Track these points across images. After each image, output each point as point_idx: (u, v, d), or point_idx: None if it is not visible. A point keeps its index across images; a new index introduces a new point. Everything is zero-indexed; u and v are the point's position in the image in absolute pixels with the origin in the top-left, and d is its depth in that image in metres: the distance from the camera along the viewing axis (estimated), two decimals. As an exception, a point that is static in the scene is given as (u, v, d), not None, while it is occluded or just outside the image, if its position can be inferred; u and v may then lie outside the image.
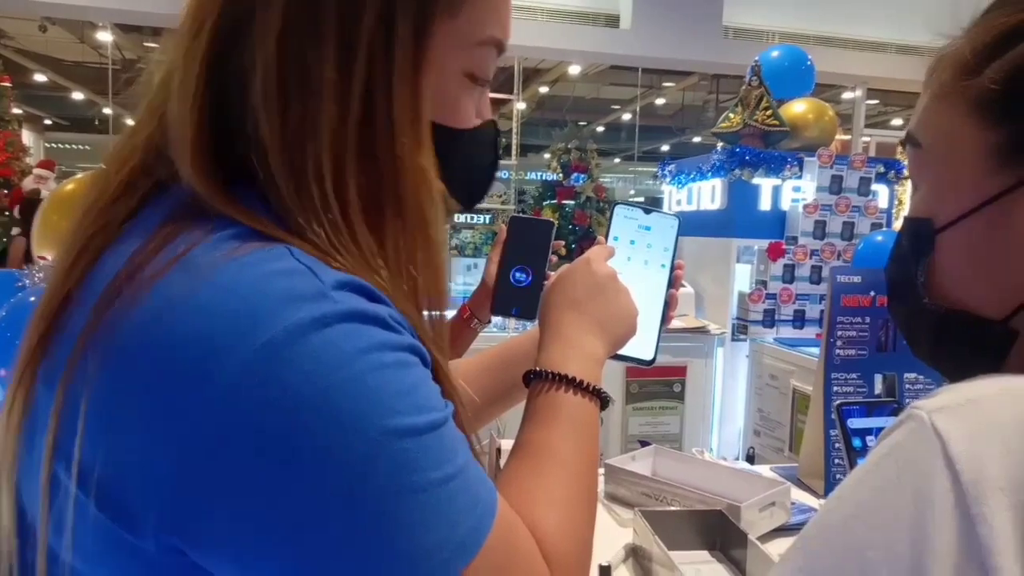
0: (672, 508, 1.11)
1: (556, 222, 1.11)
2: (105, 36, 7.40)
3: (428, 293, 0.49)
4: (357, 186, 0.45)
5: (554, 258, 1.06)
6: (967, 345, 0.53)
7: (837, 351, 1.33)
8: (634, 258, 0.79)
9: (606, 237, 0.80)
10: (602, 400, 0.61)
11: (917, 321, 0.56)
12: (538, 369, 0.62)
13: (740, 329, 3.06)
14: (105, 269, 0.42)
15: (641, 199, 11.12)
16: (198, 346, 0.37)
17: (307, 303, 0.39)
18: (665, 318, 0.79)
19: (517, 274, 1.08)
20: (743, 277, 3.11)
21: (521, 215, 1.06)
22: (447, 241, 0.69)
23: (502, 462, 1.26)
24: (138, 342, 0.38)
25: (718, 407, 3.13)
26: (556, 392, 0.60)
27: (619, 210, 0.81)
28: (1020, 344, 0.50)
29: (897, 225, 5.22)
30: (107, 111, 9.04)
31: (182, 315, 0.38)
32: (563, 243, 1.08)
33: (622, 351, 0.73)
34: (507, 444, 1.32)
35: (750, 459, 2.96)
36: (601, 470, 1.26)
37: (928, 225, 0.53)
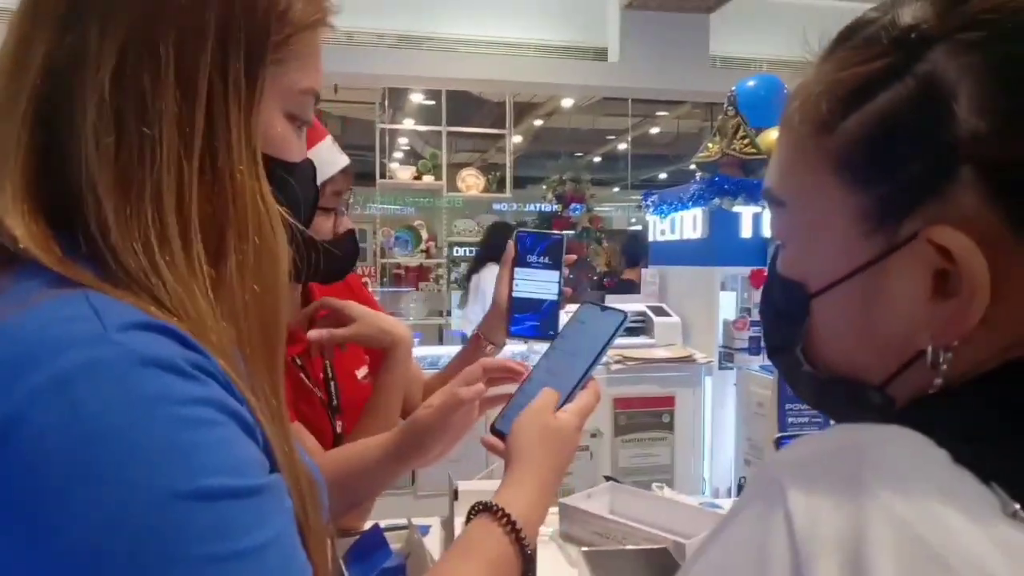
0: (619, 547, 1.11)
1: (564, 233, 1.12)
2: None
3: (264, 322, 0.50)
4: (200, 212, 0.47)
5: (567, 271, 1.07)
6: (849, 407, 0.51)
7: (791, 382, 1.33)
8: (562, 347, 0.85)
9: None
10: (526, 560, 0.67)
11: (798, 380, 0.55)
12: (492, 504, 0.68)
13: (726, 357, 3.05)
14: None
15: (640, 227, 11.14)
16: None
17: (79, 347, 0.39)
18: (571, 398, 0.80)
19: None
20: (728, 305, 3.11)
21: (527, 229, 1.04)
22: (288, 265, 0.53)
23: (456, 506, 1.27)
24: None
25: (708, 436, 3.11)
26: (494, 527, 0.67)
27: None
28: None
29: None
30: None
31: None
32: (574, 256, 1.11)
33: (501, 427, 0.78)
34: (464, 485, 1.32)
35: (741, 490, 2.93)
36: (555, 509, 1.25)
37: (802, 290, 0.50)
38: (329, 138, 1.11)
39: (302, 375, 1.18)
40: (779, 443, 1.02)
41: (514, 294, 1.05)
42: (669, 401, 2.98)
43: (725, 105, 3.15)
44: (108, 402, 0.38)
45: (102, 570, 0.37)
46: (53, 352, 0.39)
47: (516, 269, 1.06)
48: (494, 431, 0.80)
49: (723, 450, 3.12)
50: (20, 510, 0.37)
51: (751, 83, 3.31)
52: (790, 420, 1.31)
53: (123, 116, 0.45)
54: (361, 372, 1.36)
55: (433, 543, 1.28)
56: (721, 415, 3.10)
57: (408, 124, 7.46)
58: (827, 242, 0.48)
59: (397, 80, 5.98)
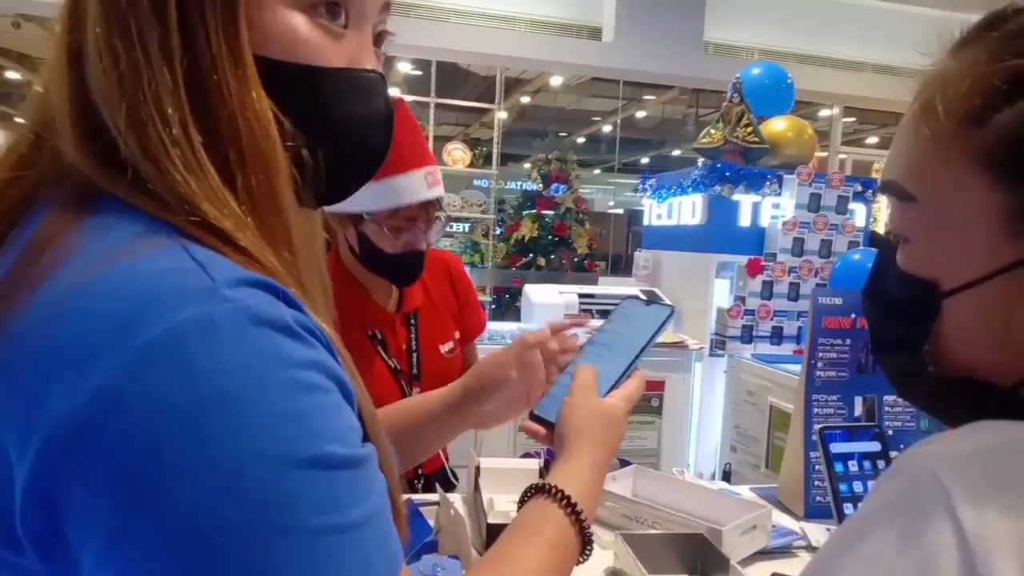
0: (653, 531, 1.10)
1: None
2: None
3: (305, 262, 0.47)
4: (202, 132, 0.42)
5: None
6: (971, 409, 0.49)
7: (818, 373, 1.33)
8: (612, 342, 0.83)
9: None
10: (584, 541, 0.65)
11: (915, 379, 0.53)
12: (561, 488, 0.66)
13: (718, 344, 3.08)
14: None
15: (620, 211, 11.18)
16: (78, 349, 0.36)
17: (193, 303, 0.36)
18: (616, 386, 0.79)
19: None
20: (722, 293, 3.13)
21: None
22: (288, 183, 0.45)
23: (481, 481, 1.25)
24: (19, 346, 0.37)
25: (695, 422, 3.14)
26: (556, 511, 0.64)
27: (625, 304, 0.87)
28: None
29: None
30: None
31: (67, 317, 0.37)
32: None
33: (542, 413, 0.77)
34: (486, 463, 1.31)
35: (727, 475, 2.99)
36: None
37: (933, 289, 0.49)
38: (423, 172, 1.30)
39: (379, 349, 1.38)
40: (823, 434, 1.02)
41: None
42: (659, 386, 2.99)
43: (729, 92, 3.14)
44: (224, 362, 0.36)
45: (211, 540, 0.35)
46: (165, 307, 0.36)
47: None
48: (534, 417, 0.78)
49: (709, 436, 3.16)
50: (129, 472, 0.34)
51: (756, 71, 3.30)
52: (816, 411, 1.31)
53: (113, 44, 0.42)
54: (445, 347, 1.47)
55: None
56: (709, 401, 3.13)
57: (394, 93, 7.30)
58: (966, 240, 0.47)
59: (385, 47, 5.86)
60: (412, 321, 1.44)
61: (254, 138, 0.44)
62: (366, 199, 1.26)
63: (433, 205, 1.35)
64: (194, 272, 0.38)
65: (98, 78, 0.42)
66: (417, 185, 1.29)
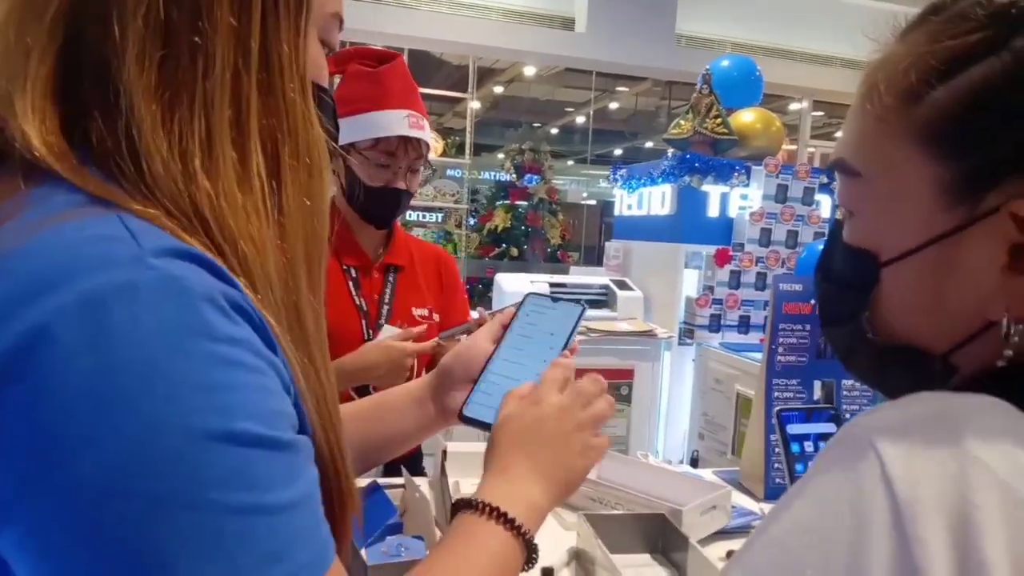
0: (616, 512, 1.12)
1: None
2: None
3: (312, 243, 0.49)
4: (259, 126, 0.45)
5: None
6: (907, 376, 0.51)
7: (778, 357, 1.36)
8: (533, 337, 0.79)
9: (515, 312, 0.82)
10: (528, 548, 0.60)
11: (857, 349, 0.55)
12: (473, 499, 0.60)
13: (687, 333, 3.11)
14: None
15: (593, 202, 11.23)
16: None
17: (115, 268, 0.36)
18: None
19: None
20: (691, 282, 3.16)
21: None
22: (330, 189, 0.56)
23: (447, 465, 1.26)
24: None
25: (664, 410, 3.18)
26: (482, 521, 0.59)
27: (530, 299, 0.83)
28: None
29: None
30: None
31: None
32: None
33: (470, 414, 0.73)
34: (454, 447, 1.32)
35: (694, 462, 3.03)
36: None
37: (873, 259, 0.51)
38: (406, 112, 1.43)
39: (349, 284, 1.48)
40: (781, 415, 1.04)
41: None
42: (628, 374, 3.02)
43: (699, 84, 3.17)
44: (141, 329, 0.35)
45: (113, 511, 0.34)
46: (86, 270, 0.35)
47: None
48: (466, 419, 0.74)
49: (677, 424, 3.20)
50: (33, 437, 0.33)
51: (725, 63, 3.33)
52: (776, 395, 1.34)
53: (173, 26, 0.42)
54: (418, 311, 1.56)
55: (421, 503, 1.26)
56: (678, 389, 3.17)
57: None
58: (904, 211, 0.49)
59: (357, 35, 5.81)
60: (390, 277, 1.54)
61: (310, 144, 0.49)
62: (353, 131, 1.43)
63: (414, 148, 1.45)
64: (123, 239, 0.37)
65: (128, 57, 0.41)
66: (398, 122, 1.42)
